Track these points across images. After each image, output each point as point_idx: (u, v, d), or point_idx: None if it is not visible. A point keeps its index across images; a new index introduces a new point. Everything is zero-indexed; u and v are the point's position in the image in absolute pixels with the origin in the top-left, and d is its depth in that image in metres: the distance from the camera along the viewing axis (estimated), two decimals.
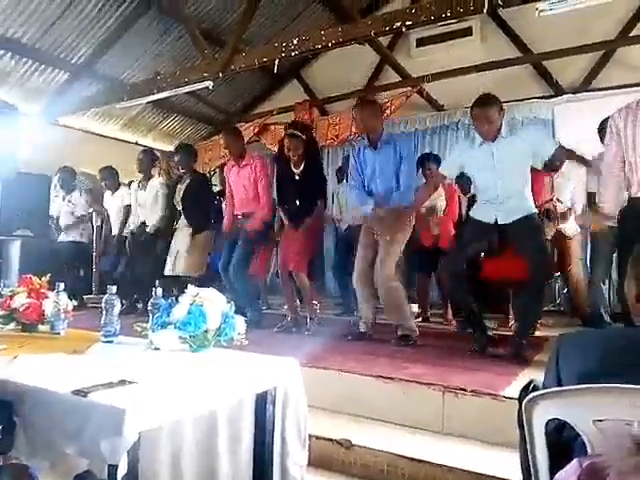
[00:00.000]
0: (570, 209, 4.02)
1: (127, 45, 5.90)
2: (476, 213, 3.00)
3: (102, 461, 1.03)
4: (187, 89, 5.07)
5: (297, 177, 3.65)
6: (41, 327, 1.86)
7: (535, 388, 1.18)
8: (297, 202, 3.63)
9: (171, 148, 7.66)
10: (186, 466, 1.55)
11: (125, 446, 0.99)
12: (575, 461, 0.66)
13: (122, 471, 1.01)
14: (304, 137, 3.63)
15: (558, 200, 3.99)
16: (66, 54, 5.82)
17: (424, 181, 4.39)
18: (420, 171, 4.38)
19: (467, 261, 2.97)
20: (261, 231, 3.83)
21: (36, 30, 5.34)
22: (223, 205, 4.54)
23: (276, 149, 6.16)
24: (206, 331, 1.57)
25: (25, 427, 1.19)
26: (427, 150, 5.94)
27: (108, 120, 6.97)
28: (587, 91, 5.44)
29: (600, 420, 0.88)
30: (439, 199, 4.26)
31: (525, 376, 2.27)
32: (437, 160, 4.40)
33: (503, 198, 2.85)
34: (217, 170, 7.24)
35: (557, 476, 0.68)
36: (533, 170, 2.97)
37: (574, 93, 5.52)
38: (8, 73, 5.68)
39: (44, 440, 1.18)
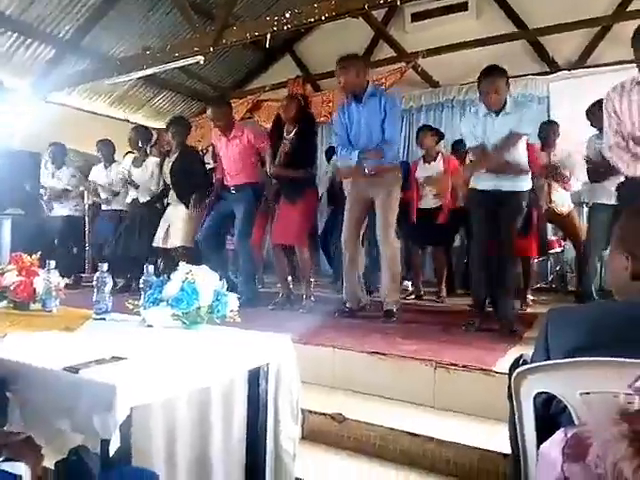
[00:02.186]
0: (567, 177, 3.99)
1: (115, 19, 5.75)
2: (474, 181, 3.01)
3: (95, 436, 1.04)
4: (178, 64, 4.97)
5: (287, 142, 3.59)
6: (33, 305, 1.85)
7: (525, 363, 1.19)
8: (285, 165, 3.56)
9: (162, 125, 7.57)
10: (180, 441, 1.57)
11: (117, 421, 1.00)
12: (560, 431, 0.67)
13: (115, 445, 1.01)
14: (299, 99, 3.60)
15: (555, 167, 3.98)
16: (52, 29, 5.68)
17: (422, 153, 4.38)
18: (419, 143, 4.38)
19: (486, 241, 2.96)
20: (256, 201, 3.79)
21: (19, 2, 5.18)
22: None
23: (268, 125, 6.11)
24: (199, 308, 1.57)
25: (19, 403, 1.19)
26: None
27: (97, 97, 6.85)
28: (583, 68, 5.38)
29: (587, 393, 0.89)
30: (436, 170, 4.22)
31: (515, 351, 2.30)
32: (435, 131, 4.40)
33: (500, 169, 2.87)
34: (209, 149, 7.17)
35: (542, 446, 0.70)
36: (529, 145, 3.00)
37: (570, 70, 5.46)
38: None
39: (38, 416, 1.18)
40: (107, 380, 1.04)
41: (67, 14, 5.54)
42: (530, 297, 4.03)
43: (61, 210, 5.01)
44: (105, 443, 1.03)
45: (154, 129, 6.41)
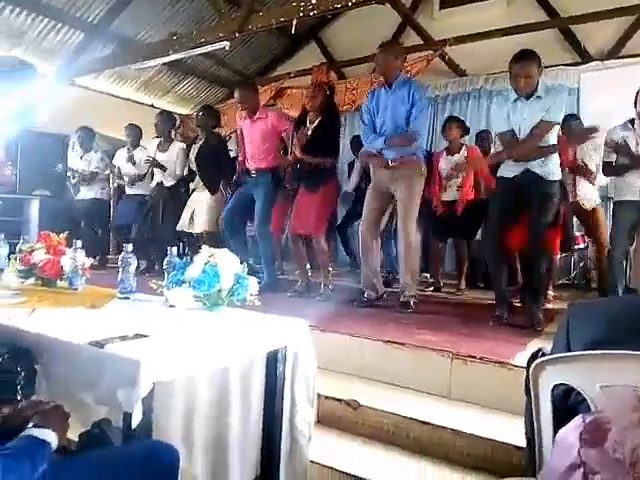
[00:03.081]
0: (594, 172, 3.90)
1: (142, 5, 5.81)
2: (502, 170, 2.96)
3: (118, 409, 1.07)
4: (203, 50, 5.00)
5: (310, 131, 3.58)
6: (59, 283, 1.90)
7: (542, 356, 1.19)
8: (305, 154, 3.55)
9: (187, 111, 7.63)
10: (198, 421, 1.60)
11: (140, 395, 1.03)
12: (578, 417, 0.67)
13: (137, 419, 1.05)
14: (325, 89, 3.59)
15: (583, 162, 3.90)
16: (81, 13, 5.76)
17: (446, 144, 4.32)
18: (444, 134, 4.32)
19: (501, 233, 2.91)
20: (277, 187, 3.81)
21: None
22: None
23: (292, 113, 6.10)
24: (219, 290, 1.59)
25: (45, 375, 1.24)
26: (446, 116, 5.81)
27: (124, 82, 6.93)
28: (617, 58, 5.21)
29: (607, 386, 0.89)
30: (460, 162, 4.17)
31: (534, 345, 2.28)
32: (461, 123, 4.34)
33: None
34: (232, 136, 7.21)
35: (560, 431, 0.70)
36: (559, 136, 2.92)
37: (602, 60, 5.30)
38: (24, 32, 5.64)
39: (63, 388, 1.22)
40: (131, 355, 1.07)
41: None
42: (551, 293, 3.97)
43: (88, 193, 5.12)
44: (127, 416, 1.06)
45: (178, 115, 6.49)
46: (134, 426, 1.05)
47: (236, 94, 3.94)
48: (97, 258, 4.74)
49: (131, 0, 5.70)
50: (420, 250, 3.43)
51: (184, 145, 4.73)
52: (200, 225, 4.23)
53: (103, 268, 4.62)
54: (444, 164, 4.23)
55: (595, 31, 5.32)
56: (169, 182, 4.64)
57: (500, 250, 2.94)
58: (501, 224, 2.91)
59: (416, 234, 3.26)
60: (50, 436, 0.97)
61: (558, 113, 2.84)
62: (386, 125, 3.25)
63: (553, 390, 1.01)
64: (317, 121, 3.58)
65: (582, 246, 4.63)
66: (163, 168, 4.60)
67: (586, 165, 3.87)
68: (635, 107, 3.24)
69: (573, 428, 0.64)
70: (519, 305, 3.10)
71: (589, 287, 4.69)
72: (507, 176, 2.91)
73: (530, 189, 2.81)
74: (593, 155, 3.86)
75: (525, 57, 2.77)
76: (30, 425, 0.98)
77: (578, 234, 4.55)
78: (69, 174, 5.18)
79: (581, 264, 5.01)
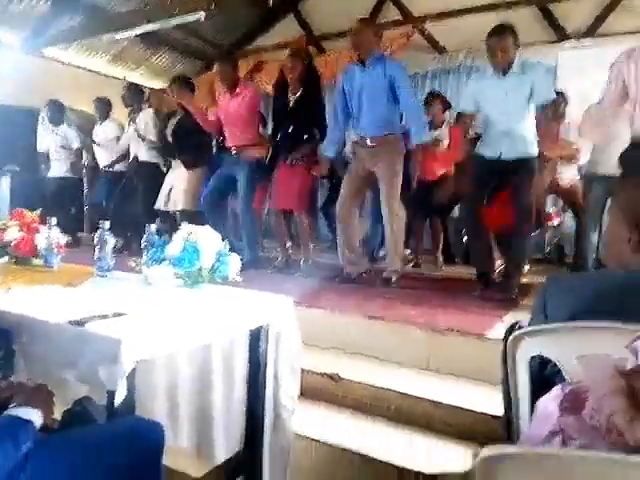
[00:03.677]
0: (574, 154, 3.96)
1: None
2: (481, 149, 2.99)
3: (101, 387, 1.07)
4: (178, 21, 4.84)
5: (292, 104, 3.52)
6: (35, 261, 1.86)
7: (520, 328, 1.22)
8: (289, 130, 3.50)
9: (160, 85, 7.41)
10: (182, 397, 1.61)
11: (122, 373, 1.02)
12: (558, 387, 0.70)
13: (121, 396, 1.04)
14: (303, 57, 3.52)
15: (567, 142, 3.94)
16: None
17: (429, 119, 4.31)
18: (426, 109, 4.30)
19: (480, 208, 2.95)
20: (258, 164, 3.75)
21: None
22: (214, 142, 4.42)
23: (270, 87, 5.99)
24: (200, 268, 1.58)
25: (24, 355, 1.22)
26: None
27: (95, 54, 6.67)
28: (593, 37, 5.25)
29: (583, 356, 0.92)
30: (441, 136, 4.18)
31: (510, 318, 2.34)
32: (442, 98, 4.33)
33: (508, 133, 2.86)
34: (209, 110, 7.05)
35: (539, 400, 0.72)
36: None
37: (578, 39, 5.33)
38: None
39: (43, 367, 1.21)
40: (112, 334, 1.06)
41: None
42: (526, 267, 4.06)
43: (58, 171, 4.97)
44: (110, 394, 1.06)
45: (151, 89, 6.30)
46: (117, 404, 1.04)
47: (216, 68, 3.85)
48: (71, 236, 4.64)
49: None
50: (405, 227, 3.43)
51: (152, 111, 4.59)
52: (178, 203, 4.15)
53: (77, 246, 4.52)
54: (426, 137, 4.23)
55: (573, 10, 5.34)
56: (144, 157, 4.53)
57: (480, 226, 2.98)
58: (480, 200, 2.95)
59: (402, 210, 3.26)
60: (33, 415, 0.96)
61: (548, 90, 2.87)
62: (362, 106, 3.20)
63: (530, 362, 1.05)
64: (299, 93, 3.51)
65: (556, 223, 4.73)
66: (142, 137, 4.48)
67: (567, 149, 3.90)
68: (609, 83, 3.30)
69: (553, 397, 0.66)
70: (497, 279, 3.16)
71: (562, 262, 4.81)
72: (487, 155, 2.94)
73: (510, 169, 2.86)
74: (573, 133, 3.91)
75: (501, 31, 2.79)
76: (12, 404, 0.97)
77: (552, 210, 4.65)
78: (39, 148, 5.01)
79: (555, 239, 5.13)
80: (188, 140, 4.12)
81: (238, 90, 3.76)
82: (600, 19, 5.30)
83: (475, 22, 5.22)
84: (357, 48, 3.22)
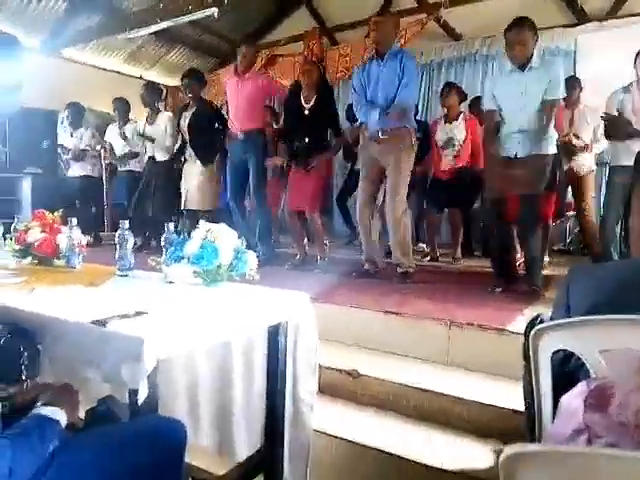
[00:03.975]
0: (587, 145, 3.91)
1: None
2: (499, 148, 2.92)
3: (123, 385, 1.08)
4: (191, 17, 4.85)
5: (307, 112, 3.54)
6: (57, 261, 1.89)
7: (541, 322, 1.20)
8: (306, 139, 3.54)
9: (176, 82, 7.46)
10: (202, 394, 1.63)
11: (145, 371, 1.03)
12: (582, 383, 0.68)
13: (143, 394, 1.06)
14: (319, 66, 3.57)
15: (575, 136, 3.89)
16: None
17: (445, 112, 4.26)
18: (441, 101, 4.26)
19: (500, 206, 2.91)
20: (265, 150, 3.78)
21: None
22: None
23: (284, 82, 5.97)
24: (219, 266, 1.59)
25: (48, 355, 1.24)
26: (442, 83, 5.73)
27: (111, 53, 6.75)
28: (615, 18, 5.10)
29: (606, 350, 0.90)
30: (457, 130, 4.14)
31: (530, 312, 2.31)
32: (458, 89, 4.27)
33: (525, 131, 2.80)
34: (223, 106, 7.07)
35: (563, 397, 0.71)
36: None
37: (600, 21, 5.19)
38: (3, 2, 5.44)
39: (67, 367, 1.23)
40: (134, 333, 1.07)
41: None
42: (547, 259, 4.00)
43: (79, 170, 5.05)
44: (133, 393, 1.07)
45: (166, 86, 6.35)
46: (140, 402, 1.06)
47: (240, 49, 3.87)
48: (92, 235, 4.73)
49: None
50: (411, 224, 3.41)
51: (171, 114, 4.62)
52: (194, 202, 4.17)
53: (99, 245, 4.60)
54: (441, 134, 4.18)
55: None
56: (161, 156, 4.57)
57: (501, 226, 2.94)
58: (499, 199, 2.90)
59: (406, 208, 3.23)
60: (59, 414, 0.98)
61: (559, 87, 2.80)
62: (378, 98, 3.20)
63: (552, 356, 1.03)
64: (313, 100, 3.54)
65: (572, 213, 4.64)
66: (150, 139, 4.51)
67: (578, 138, 3.83)
68: (635, 68, 3.19)
69: (577, 394, 0.65)
70: (517, 273, 3.11)
71: (584, 252, 4.72)
72: (503, 154, 2.87)
73: (525, 165, 2.80)
74: (590, 119, 3.83)
75: (520, 24, 2.74)
76: (39, 404, 0.99)
77: (572, 200, 4.56)
78: (59, 151, 5.09)
79: (576, 230, 5.03)
80: (203, 134, 4.12)
81: (249, 75, 3.78)
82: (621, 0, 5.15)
83: (492, 7, 5.14)
84: (378, 43, 3.23)
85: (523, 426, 1.26)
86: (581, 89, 3.97)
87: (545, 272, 3.79)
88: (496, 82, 2.96)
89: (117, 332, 1.10)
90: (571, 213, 4.55)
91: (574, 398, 0.66)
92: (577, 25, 5.32)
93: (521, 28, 2.72)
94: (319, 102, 3.52)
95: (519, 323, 2.14)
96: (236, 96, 3.82)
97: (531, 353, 1.05)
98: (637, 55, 3.18)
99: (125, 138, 4.80)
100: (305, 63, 3.67)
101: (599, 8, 5.30)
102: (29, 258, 1.91)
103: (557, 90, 2.78)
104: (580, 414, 0.63)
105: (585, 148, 3.88)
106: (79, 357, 1.18)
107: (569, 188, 4.29)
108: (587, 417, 0.61)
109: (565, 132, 3.74)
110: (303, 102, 3.56)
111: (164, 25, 5.01)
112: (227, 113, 4.21)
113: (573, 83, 3.92)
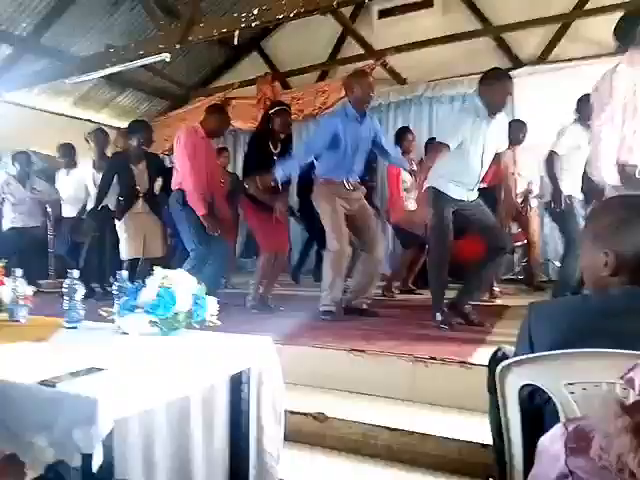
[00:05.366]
0: (530, 184, 4.13)
1: (76, 16, 5.57)
2: (449, 187, 2.89)
3: (76, 451, 1.00)
4: (143, 62, 4.85)
5: (276, 157, 3.52)
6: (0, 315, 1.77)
7: (503, 356, 1.22)
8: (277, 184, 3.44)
9: (126, 125, 7.37)
10: (159, 452, 1.52)
11: (100, 435, 0.96)
12: (560, 425, 0.68)
13: (98, 460, 0.98)
14: (289, 111, 3.64)
15: (519, 175, 4.09)
16: (7, 26, 5.44)
17: (401, 152, 4.39)
18: (399, 144, 4.40)
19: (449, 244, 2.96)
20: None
21: None
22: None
23: (238, 124, 6.02)
24: (176, 313, 1.53)
25: None
26: (391, 124, 5.98)
27: (58, 96, 6.61)
28: (545, 64, 5.52)
29: (571, 383, 0.92)
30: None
31: (488, 344, 2.35)
32: (411, 132, 4.51)
33: (479, 176, 2.92)
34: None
35: (541, 440, 0.71)
36: None
37: (532, 65, 5.59)
38: None
39: (12, 432, 1.13)
40: (87, 393, 1.00)
41: (24, 10, 5.32)
42: (497, 288, 4.12)
43: (23, 222, 4.83)
44: (86, 458, 0.99)
45: (117, 129, 6.25)
46: (95, 469, 0.97)
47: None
48: (36, 285, 4.48)
49: (63, 12, 5.45)
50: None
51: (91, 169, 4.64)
52: (156, 250, 4.16)
53: (39, 294, 4.35)
54: (405, 176, 4.33)
55: (525, 39, 5.63)
56: (107, 203, 4.44)
57: (447, 257, 2.99)
58: (450, 235, 2.96)
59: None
60: None
61: (506, 137, 3.01)
62: (355, 160, 3.30)
63: (520, 391, 1.04)
64: (279, 148, 3.58)
65: (520, 243, 4.82)
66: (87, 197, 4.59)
67: (515, 181, 3.99)
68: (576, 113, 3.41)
69: (557, 437, 0.65)
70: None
71: (532, 284, 4.87)
72: (452, 195, 2.91)
73: (473, 207, 2.96)
74: (529, 160, 4.06)
75: (508, 75, 2.87)
76: None
77: (519, 230, 4.75)
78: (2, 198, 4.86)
79: (524, 260, 5.22)
80: (154, 185, 4.18)
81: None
82: (550, 47, 5.59)
83: (434, 54, 5.44)
84: (367, 102, 3.30)
85: (492, 460, 1.26)
86: (526, 132, 4.16)
87: (498, 301, 3.93)
88: (471, 126, 2.82)
89: (68, 393, 1.02)
90: (518, 244, 4.73)
91: (554, 442, 0.66)
92: (512, 70, 5.70)
93: (509, 79, 2.85)
94: (284, 147, 3.59)
95: (479, 355, 2.17)
96: (212, 164, 3.74)
97: (498, 388, 1.06)
98: (579, 101, 3.42)
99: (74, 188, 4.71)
100: (280, 110, 3.56)
101: (530, 55, 5.73)
102: None
103: (505, 141, 2.96)
104: (562, 458, 0.63)
105: (528, 186, 4.08)
106: (26, 421, 1.09)
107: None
108: (571, 462, 0.62)
109: (510, 171, 3.91)
110: (272, 148, 3.55)
111: (114, 70, 4.97)
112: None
113: (520, 126, 4.12)
